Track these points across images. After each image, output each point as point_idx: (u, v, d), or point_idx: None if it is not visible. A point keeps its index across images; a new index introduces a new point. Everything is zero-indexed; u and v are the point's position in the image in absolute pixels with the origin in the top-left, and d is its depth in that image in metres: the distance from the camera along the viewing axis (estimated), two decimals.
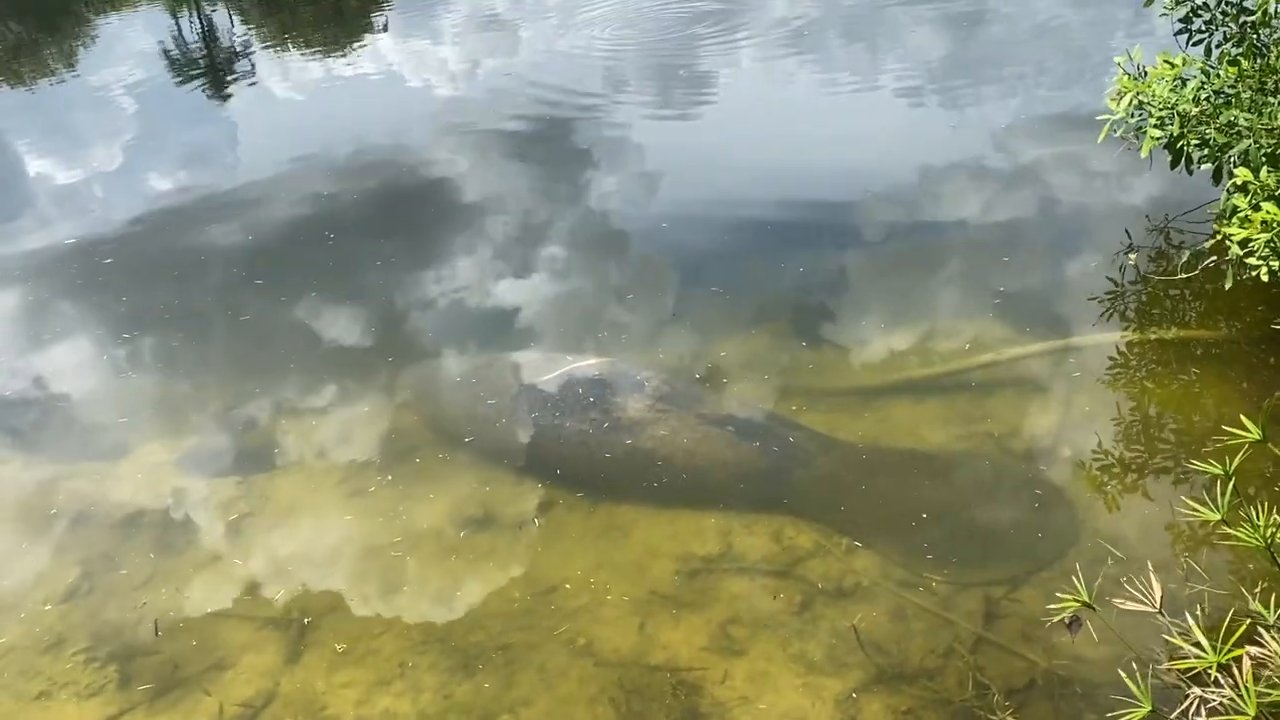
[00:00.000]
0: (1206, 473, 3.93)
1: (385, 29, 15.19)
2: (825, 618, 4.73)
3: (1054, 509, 5.14)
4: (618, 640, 4.74)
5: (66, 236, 9.11)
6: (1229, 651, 3.32)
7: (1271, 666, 3.34)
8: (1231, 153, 5.59)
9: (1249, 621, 3.52)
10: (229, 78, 13.88)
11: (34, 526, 5.87)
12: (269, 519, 5.74)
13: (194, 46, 15.49)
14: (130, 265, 8.50)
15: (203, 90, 13.31)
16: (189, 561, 5.51)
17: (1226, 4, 6.30)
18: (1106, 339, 6.28)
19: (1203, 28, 6.37)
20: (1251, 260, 5.16)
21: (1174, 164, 6.08)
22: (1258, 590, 3.88)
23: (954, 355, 6.28)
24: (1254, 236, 5.06)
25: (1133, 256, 6.81)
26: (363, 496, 5.79)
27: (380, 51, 14.05)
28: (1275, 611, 3.47)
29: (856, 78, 10.81)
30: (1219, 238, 5.61)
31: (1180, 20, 6.44)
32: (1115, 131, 6.14)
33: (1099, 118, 6.15)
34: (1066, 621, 3.93)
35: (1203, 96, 5.81)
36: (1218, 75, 5.90)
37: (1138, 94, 5.90)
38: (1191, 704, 3.36)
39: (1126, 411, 5.74)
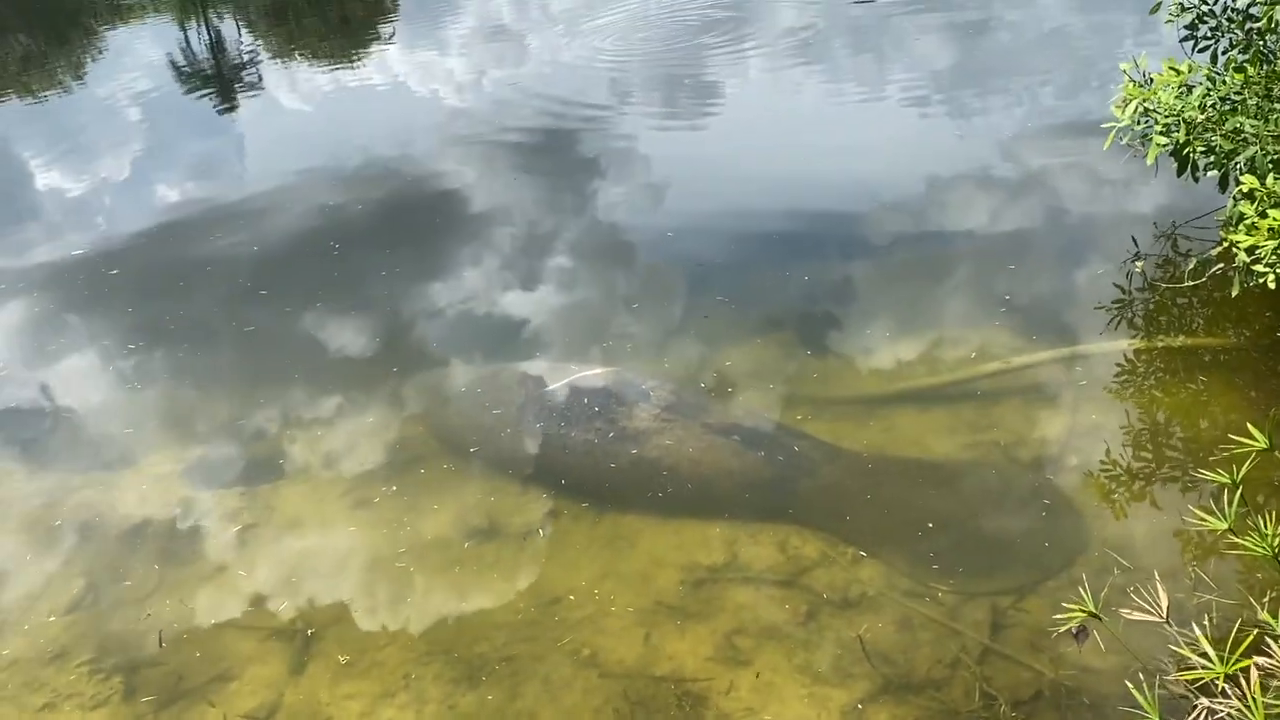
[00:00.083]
0: (1214, 481, 3.92)
1: (392, 39, 15.24)
2: (831, 628, 4.70)
3: (1060, 518, 5.12)
4: (623, 651, 4.73)
5: (73, 248, 9.15)
6: (1237, 662, 3.30)
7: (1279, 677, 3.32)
8: (1238, 159, 5.57)
9: (1257, 631, 3.50)
10: (236, 88, 13.94)
11: (39, 537, 5.88)
12: (274, 530, 5.74)
13: (201, 58, 15.56)
14: (136, 276, 8.53)
15: (210, 101, 13.37)
16: (194, 573, 5.51)
17: (1232, 11, 6.29)
18: (1113, 347, 6.25)
19: (1209, 34, 6.37)
20: (1258, 267, 5.14)
21: (1180, 171, 6.06)
22: (1265, 600, 3.86)
23: (960, 364, 6.26)
24: (1261, 243, 5.04)
25: (1139, 264, 6.78)
26: (367, 507, 5.79)
27: (387, 62, 14.09)
28: None
29: (863, 87, 10.80)
30: (1225, 245, 5.59)
31: (1186, 27, 6.43)
32: (1121, 139, 6.13)
33: (1104, 125, 6.14)
34: (1073, 631, 3.91)
35: (1209, 103, 5.79)
36: (1224, 82, 5.88)
37: (1143, 101, 5.88)
38: (1199, 715, 3.34)
39: (1133, 420, 5.71)
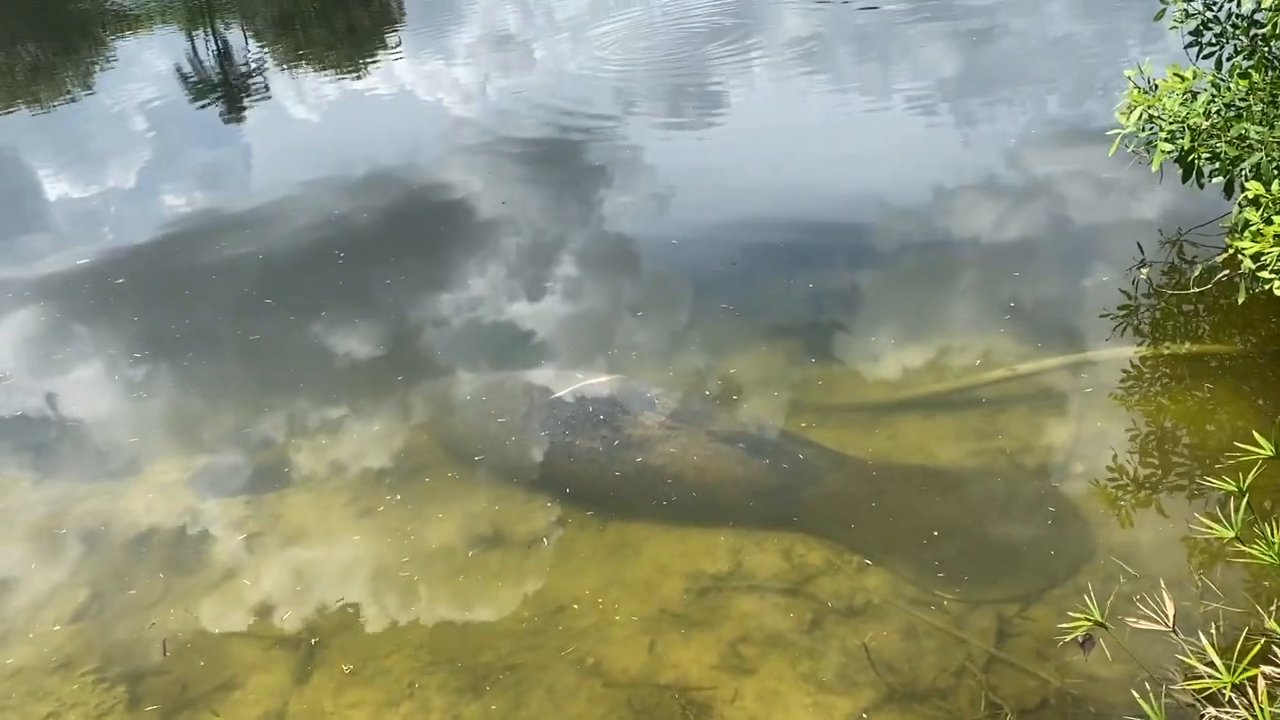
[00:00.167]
0: (1220, 489, 3.91)
1: (398, 48, 15.28)
2: (836, 636, 4.69)
3: (1066, 526, 5.10)
4: (627, 660, 4.72)
5: (80, 256, 9.17)
6: (1243, 671, 3.28)
7: None
8: (1243, 166, 5.55)
9: (1264, 640, 3.48)
10: (243, 98, 13.98)
11: (44, 546, 5.89)
12: (278, 539, 5.74)
13: (209, 67, 15.62)
14: (142, 285, 8.55)
15: (216, 110, 13.42)
16: (198, 581, 5.51)
17: (1237, 17, 6.28)
18: (1119, 354, 6.24)
19: (1213, 41, 6.36)
20: (1264, 274, 5.12)
21: (1185, 178, 6.05)
22: (1273, 608, 3.84)
23: (965, 371, 6.25)
24: (1266, 250, 5.02)
25: (1144, 271, 6.76)
26: (372, 516, 5.79)
27: (393, 70, 14.13)
28: None
29: (867, 95, 10.80)
30: (1231, 251, 5.58)
31: (1190, 33, 6.42)
32: (1126, 146, 6.11)
33: (1110, 132, 6.12)
34: (1080, 640, 3.90)
35: (1214, 110, 5.78)
36: (1229, 88, 5.87)
37: (1148, 108, 5.87)
38: None
39: (1139, 427, 5.69)
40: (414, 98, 12.82)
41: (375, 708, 4.66)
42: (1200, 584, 4.53)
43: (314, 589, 5.36)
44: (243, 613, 5.27)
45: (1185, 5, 6.34)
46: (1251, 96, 5.77)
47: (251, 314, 7.87)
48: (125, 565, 5.67)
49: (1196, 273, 6.48)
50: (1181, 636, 3.62)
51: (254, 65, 15.61)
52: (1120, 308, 6.62)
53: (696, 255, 7.94)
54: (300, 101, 13.31)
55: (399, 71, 14.03)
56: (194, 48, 16.73)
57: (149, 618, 5.30)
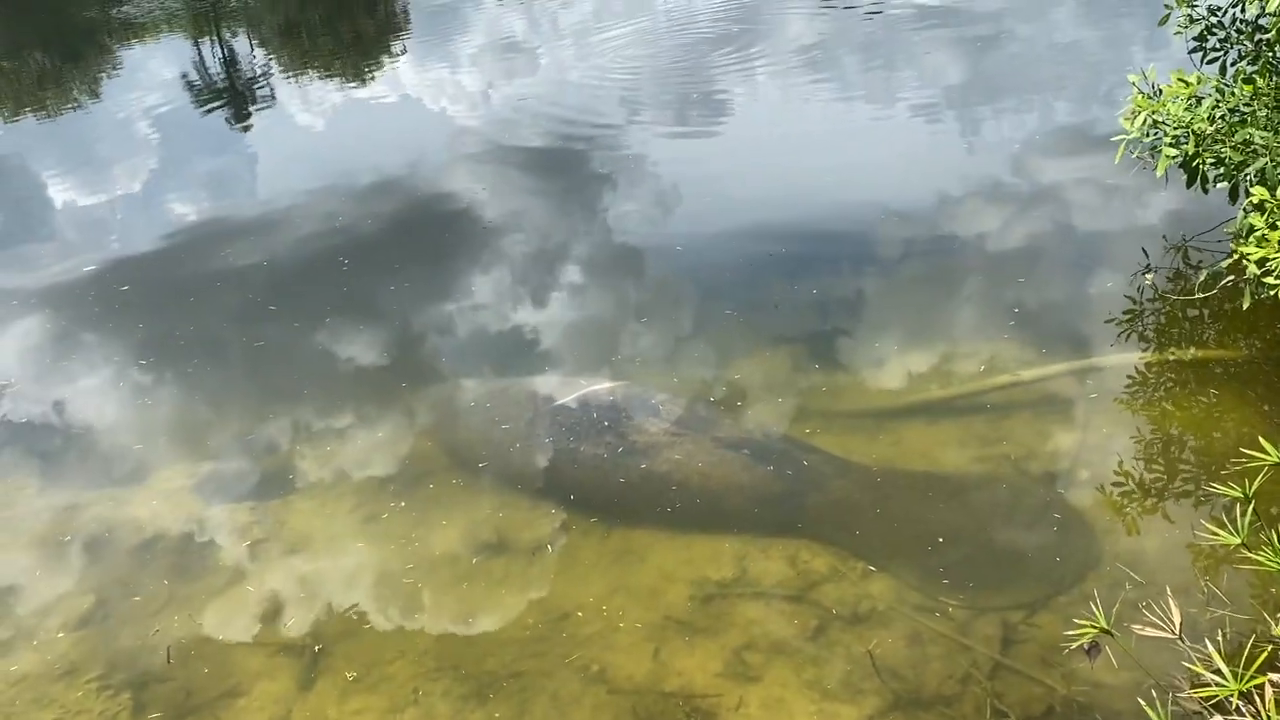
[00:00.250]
0: (1226, 495, 3.89)
1: (403, 55, 15.32)
2: (841, 643, 4.68)
3: (1072, 532, 5.08)
4: (631, 667, 4.71)
5: (85, 264, 9.20)
6: (1251, 679, 3.27)
7: None
8: (1248, 171, 5.54)
9: (1271, 647, 3.47)
10: (248, 105, 14.02)
11: (49, 553, 5.89)
12: (283, 545, 5.75)
13: (215, 74, 15.66)
14: (147, 292, 8.56)
15: (222, 118, 13.45)
16: (203, 588, 5.51)
17: (1241, 22, 6.27)
18: (1124, 360, 6.22)
19: (1217, 46, 6.35)
20: (1269, 280, 5.11)
21: (1190, 183, 6.04)
22: (1279, 615, 3.82)
23: (970, 377, 6.24)
24: (1271, 256, 5.01)
25: (1150, 276, 6.75)
26: (376, 522, 5.79)
27: (398, 78, 14.17)
28: None
29: (873, 102, 10.80)
30: (1236, 257, 5.56)
31: (1195, 39, 6.41)
32: (1131, 152, 6.11)
33: (1114, 138, 6.12)
34: (1085, 647, 3.88)
35: (1218, 115, 5.77)
36: (1233, 93, 5.86)
37: (1152, 113, 5.86)
38: None
39: (1145, 433, 5.68)
40: (419, 105, 12.85)
41: (379, 714, 4.66)
42: (1206, 591, 4.52)
43: (318, 595, 5.36)
44: (247, 619, 5.27)
45: (1189, 10, 6.33)
46: (1256, 101, 5.76)
47: (256, 321, 7.89)
48: (130, 572, 5.67)
49: (1201, 278, 6.46)
50: (1188, 644, 3.60)
51: (259, 73, 15.65)
52: (1125, 313, 6.61)
53: (700, 260, 7.93)
54: (305, 109, 13.34)
55: (404, 79, 14.07)
56: (200, 56, 16.79)
57: (153, 624, 5.30)
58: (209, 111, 13.77)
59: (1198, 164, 5.84)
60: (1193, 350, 6.28)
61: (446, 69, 14.10)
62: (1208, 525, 3.85)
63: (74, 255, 9.51)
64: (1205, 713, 3.48)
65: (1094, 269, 7.11)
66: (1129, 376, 6.09)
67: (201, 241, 9.41)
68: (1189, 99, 5.83)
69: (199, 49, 17.22)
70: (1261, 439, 3.92)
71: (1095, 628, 3.67)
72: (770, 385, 6.41)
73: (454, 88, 13.31)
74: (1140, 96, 5.95)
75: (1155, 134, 5.94)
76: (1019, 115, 9.95)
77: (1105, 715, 4.14)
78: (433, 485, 6.00)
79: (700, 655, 4.71)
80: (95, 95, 15.15)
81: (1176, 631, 3.55)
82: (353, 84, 14.26)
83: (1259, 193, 5.20)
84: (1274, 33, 5.80)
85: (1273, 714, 3.15)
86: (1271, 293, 5.14)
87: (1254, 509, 3.64)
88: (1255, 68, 5.98)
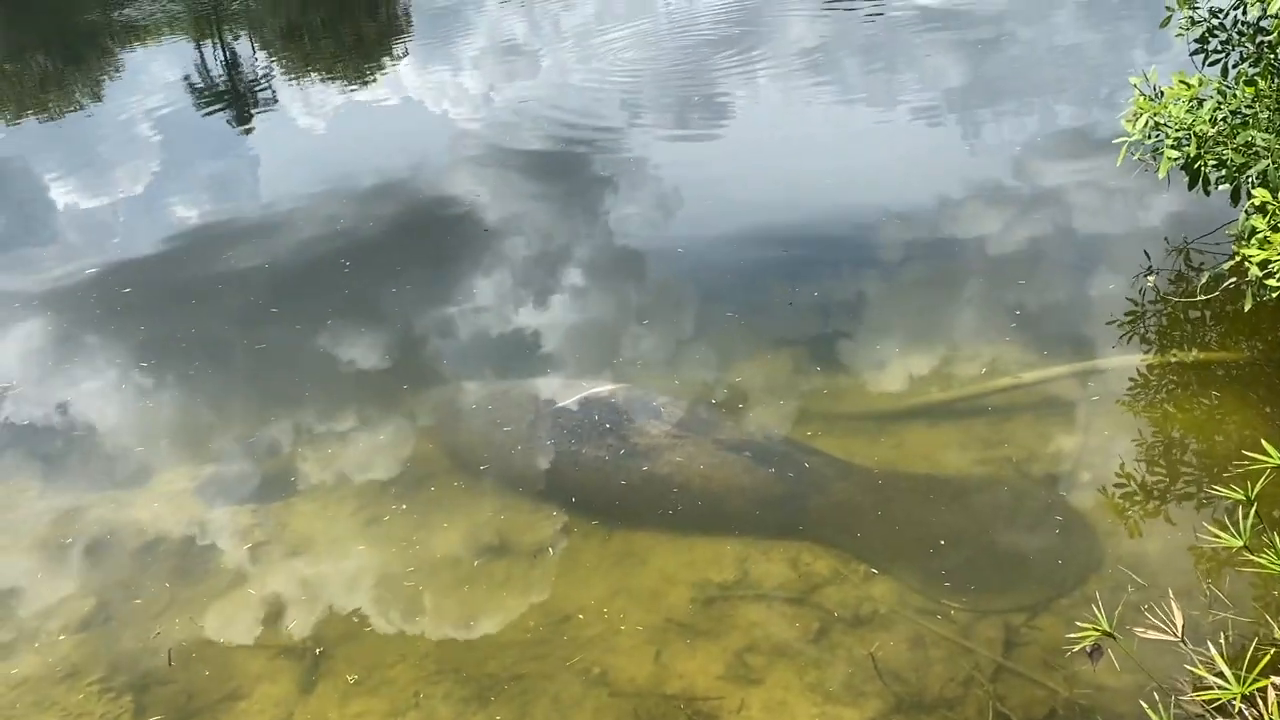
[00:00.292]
0: (1228, 498, 3.89)
1: (405, 57, 15.33)
2: (842, 645, 4.67)
3: (1074, 535, 5.08)
4: (633, 669, 4.70)
5: (87, 266, 9.20)
6: (1253, 682, 3.26)
7: None
8: (1249, 173, 5.54)
9: (1273, 650, 3.46)
10: (250, 108, 14.03)
11: (50, 555, 5.89)
12: (284, 548, 5.74)
13: (216, 77, 15.67)
14: (149, 294, 8.57)
15: (224, 120, 13.46)
16: (204, 591, 5.51)
17: (1243, 24, 6.27)
18: (1126, 362, 6.22)
19: (1219, 48, 6.35)
20: (1271, 282, 5.10)
21: (1191, 185, 6.03)
22: None
23: (971, 379, 6.24)
24: (1273, 258, 5.01)
25: (1151, 278, 6.74)
26: (378, 525, 5.78)
27: (399, 80, 14.17)
28: None
29: (874, 104, 10.80)
30: (1238, 259, 5.56)
31: (1196, 40, 6.41)
32: (1133, 154, 6.10)
33: (1116, 140, 6.11)
34: (1088, 650, 3.88)
35: (1219, 117, 5.77)
36: (1234, 95, 5.86)
37: (1154, 115, 5.86)
38: None
39: (1147, 435, 5.67)
40: (420, 108, 12.85)
41: (380, 717, 4.65)
42: (1209, 593, 4.51)
43: (319, 598, 5.36)
44: (248, 622, 5.27)
45: (1191, 12, 6.33)
46: (1258, 103, 5.76)
47: (258, 323, 7.89)
48: (131, 575, 5.67)
49: (1203, 280, 6.45)
50: (1190, 646, 3.60)
51: (261, 75, 15.66)
52: (1126, 315, 6.61)
53: (701, 262, 7.94)
54: (307, 112, 13.35)
55: (405, 82, 14.08)
56: (202, 58, 16.81)
57: (155, 627, 5.30)
58: (210, 114, 13.78)
59: (1199, 166, 5.84)
60: (1194, 352, 6.27)
61: (448, 71, 14.11)
62: (1210, 528, 3.84)
63: (76, 257, 9.51)
64: (1207, 716, 3.48)
65: (1095, 271, 7.11)
66: (1131, 379, 6.08)
67: (203, 244, 9.41)
68: (1190, 101, 5.83)
69: (201, 51, 17.24)
70: (1263, 441, 3.91)
71: (1097, 630, 3.67)
72: (771, 387, 6.41)
73: (455, 90, 13.32)
74: (1142, 98, 5.95)
75: (1157, 136, 5.94)
76: (1020, 118, 9.96)
77: (1107, 718, 4.14)
78: (434, 487, 6.00)
79: (702, 658, 4.71)
80: (97, 98, 15.17)
81: (1179, 634, 3.54)
82: (354, 86, 14.28)
83: (1261, 195, 5.19)
84: (1276, 35, 5.80)
85: (1275, 717, 3.14)
86: (1273, 295, 5.14)
87: (1256, 511, 3.64)
88: (1257, 70, 5.98)
